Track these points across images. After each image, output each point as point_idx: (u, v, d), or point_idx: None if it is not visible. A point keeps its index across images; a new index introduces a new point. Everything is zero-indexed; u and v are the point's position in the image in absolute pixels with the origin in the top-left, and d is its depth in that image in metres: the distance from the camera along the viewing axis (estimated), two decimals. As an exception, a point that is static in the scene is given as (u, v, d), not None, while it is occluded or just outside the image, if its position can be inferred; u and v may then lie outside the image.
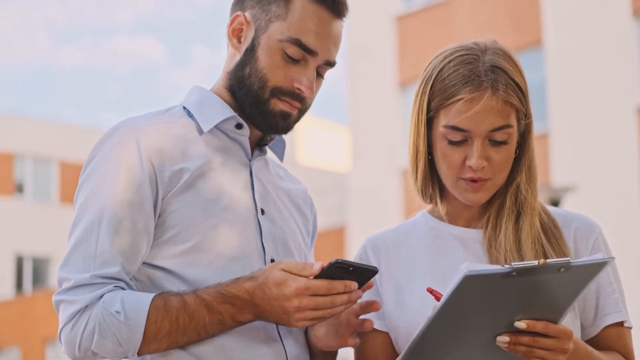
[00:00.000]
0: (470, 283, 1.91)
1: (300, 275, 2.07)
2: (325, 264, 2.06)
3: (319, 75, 2.27)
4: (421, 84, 2.25)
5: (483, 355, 2.05)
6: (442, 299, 1.96)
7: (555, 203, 15.27)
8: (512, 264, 1.91)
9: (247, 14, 2.25)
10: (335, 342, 2.21)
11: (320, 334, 2.22)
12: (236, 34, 2.27)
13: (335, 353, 2.33)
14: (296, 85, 2.21)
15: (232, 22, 2.27)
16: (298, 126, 2.34)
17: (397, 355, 2.27)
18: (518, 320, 1.98)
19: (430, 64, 2.26)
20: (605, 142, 18.46)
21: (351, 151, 22.87)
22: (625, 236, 17.98)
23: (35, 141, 34.56)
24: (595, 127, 18.59)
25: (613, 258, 2.01)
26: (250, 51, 2.24)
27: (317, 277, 2.06)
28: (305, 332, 2.28)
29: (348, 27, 22.37)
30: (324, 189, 29.52)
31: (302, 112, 2.27)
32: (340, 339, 2.20)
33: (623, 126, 18.35)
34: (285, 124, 2.25)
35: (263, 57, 2.22)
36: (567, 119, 18.99)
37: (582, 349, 2.12)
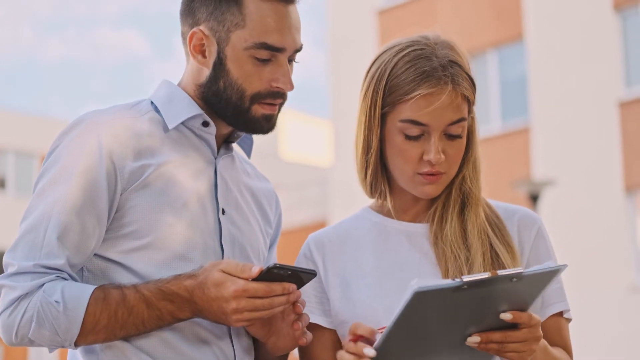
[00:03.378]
0: (421, 298, 1.89)
1: (239, 277, 2.07)
2: (264, 267, 2.06)
3: (290, 61, 2.26)
4: (372, 80, 2.24)
5: (452, 357, 2.02)
6: (394, 316, 1.93)
7: (535, 197, 15.31)
8: (463, 277, 1.89)
9: (203, 28, 2.23)
10: (288, 343, 2.22)
11: (272, 342, 2.22)
12: (198, 49, 2.25)
13: (286, 356, 2.33)
14: (274, 84, 2.22)
15: (190, 40, 2.25)
16: (280, 121, 2.34)
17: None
18: (491, 314, 1.95)
19: (378, 59, 2.26)
20: (587, 136, 18.52)
21: (333, 145, 22.88)
22: (607, 231, 18.04)
23: (17, 135, 34.44)
24: (577, 121, 18.64)
25: (565, 265, 2.01)
26: (219, 65, 2.22)
27: (256, 279, 2.06)
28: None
29: (330, 20, 22.43)
30: (306, 182, 29.51)
31: (281, 106, 2.27)
32: (291, 340, 2.21)
33: (604, 120, 18.40)
34: (269, 124, 2.26)
35: (234, 69, 2.21)
36: (548, 113, 19.04)
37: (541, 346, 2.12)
